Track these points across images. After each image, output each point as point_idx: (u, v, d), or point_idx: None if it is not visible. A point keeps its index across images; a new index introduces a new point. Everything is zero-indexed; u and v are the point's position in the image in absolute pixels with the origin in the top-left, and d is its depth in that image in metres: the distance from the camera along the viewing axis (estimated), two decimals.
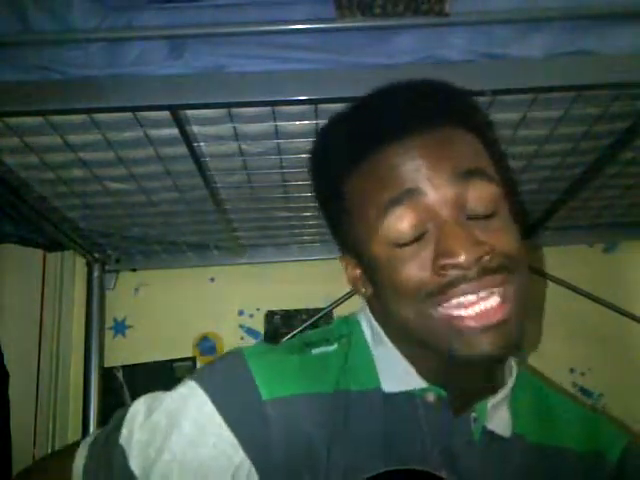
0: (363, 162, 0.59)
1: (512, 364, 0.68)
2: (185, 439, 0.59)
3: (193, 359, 1.76)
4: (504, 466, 0.64)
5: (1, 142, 1.05)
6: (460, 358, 0.56)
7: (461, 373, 0.62)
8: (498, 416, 0.64)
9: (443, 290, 0.55)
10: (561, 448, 0.67)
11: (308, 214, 1.45)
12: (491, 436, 0.63)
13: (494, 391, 0.64)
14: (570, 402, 0.73)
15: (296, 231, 1.61)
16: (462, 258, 0.53)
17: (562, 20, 0.91)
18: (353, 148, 0.60)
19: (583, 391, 1.74)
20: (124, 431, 0.61)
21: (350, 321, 0.70)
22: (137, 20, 0.90)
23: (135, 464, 0.59)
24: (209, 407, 0.59)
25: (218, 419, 0.59)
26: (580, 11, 0.90)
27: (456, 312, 0.55)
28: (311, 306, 1.76)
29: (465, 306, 0.55)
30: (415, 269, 0.55)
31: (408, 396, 0.63)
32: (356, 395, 0.62)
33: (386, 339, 0.65)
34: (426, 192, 0.55)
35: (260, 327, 1.78)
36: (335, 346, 0.66)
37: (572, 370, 1.75)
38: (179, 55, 0.90)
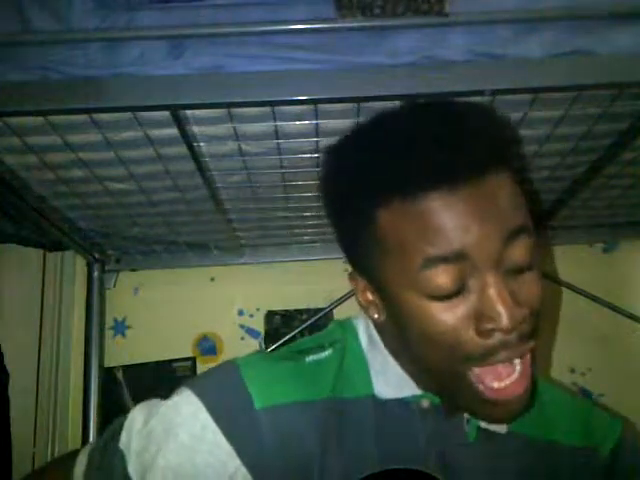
0: (405, 198, 0.54)
1: None
2: (180, 446, 0.59)
3: (193, 359, 1.76)
4: (501, 462, 0.65)
5: (1, 142, 1.05)
6: (478, 416, 0.61)
7: None
8: None
9: (484, 356, 0.55)
10: (556, 443, 0.68)
11: (308, 214, 1.45)
12: (487, 434, 0.64)
13: None
14: (566, 396, 0.74)
15: (296, 231, 1.61)
16: (505, 324, 0.53)
17: (562, 20, 0.91)
18: (395, 178, 0.55)
19: (583, 391, 1.74)
20: (123, 437, 0.62)
21: (346, 325, 0.70)
22: (137, 20, 0.90)
23: (133, 469, 0.60)
24: (204, 415, 0.60)
25: (213, 427, 0.59)
26: (580, 11, 0.90)
27: (487, 382, 0.56)
28: (312, 306, 1.76)
29: (497, 378, 0.56)
30: (452, 324, 0.55)
31: (402, 402, 0.63)
32: (349, 402, 0.63)
33: (382, 347, 0.65)
34: (472, 254, 0.53)
35: (260, 327, 1.78)
36: (329, 352, 0.66)
37: (572, 370, 1.75)
38: (179, 55, 0.90)
